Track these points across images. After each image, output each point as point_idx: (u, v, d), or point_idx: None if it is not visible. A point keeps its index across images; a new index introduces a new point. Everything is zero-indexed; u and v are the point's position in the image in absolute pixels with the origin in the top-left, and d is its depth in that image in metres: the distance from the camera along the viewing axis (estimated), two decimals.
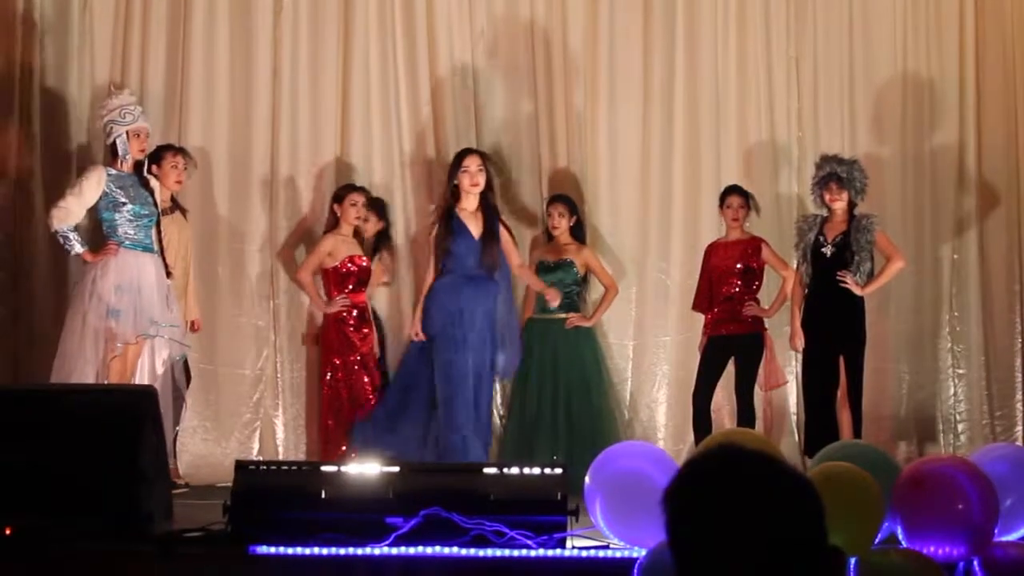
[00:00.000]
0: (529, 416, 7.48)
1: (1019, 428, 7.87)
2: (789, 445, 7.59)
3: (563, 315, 7.54)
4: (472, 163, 6.75)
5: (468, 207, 6.76)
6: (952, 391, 7.92)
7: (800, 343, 7.07)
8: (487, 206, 6.80)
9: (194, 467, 7.52)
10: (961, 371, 7.94)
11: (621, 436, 7.50)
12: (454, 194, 6.77)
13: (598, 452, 7.34)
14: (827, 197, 7.02)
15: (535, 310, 7.62)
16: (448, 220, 6.72)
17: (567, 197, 7.71)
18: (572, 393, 7.47)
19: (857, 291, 6.94)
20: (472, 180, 6.70)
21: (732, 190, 7.38)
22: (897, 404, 7.81)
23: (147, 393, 4.57)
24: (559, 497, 4.41)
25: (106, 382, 6.30)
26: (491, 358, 6.69)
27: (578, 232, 7.67)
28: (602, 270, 7.70)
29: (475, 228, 6.73)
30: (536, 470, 4.45)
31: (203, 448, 7.70)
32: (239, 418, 7.79)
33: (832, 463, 4.29)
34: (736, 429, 4.88)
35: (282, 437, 7.84)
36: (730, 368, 7.25)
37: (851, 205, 7.03)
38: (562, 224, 7.59)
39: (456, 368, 6.55)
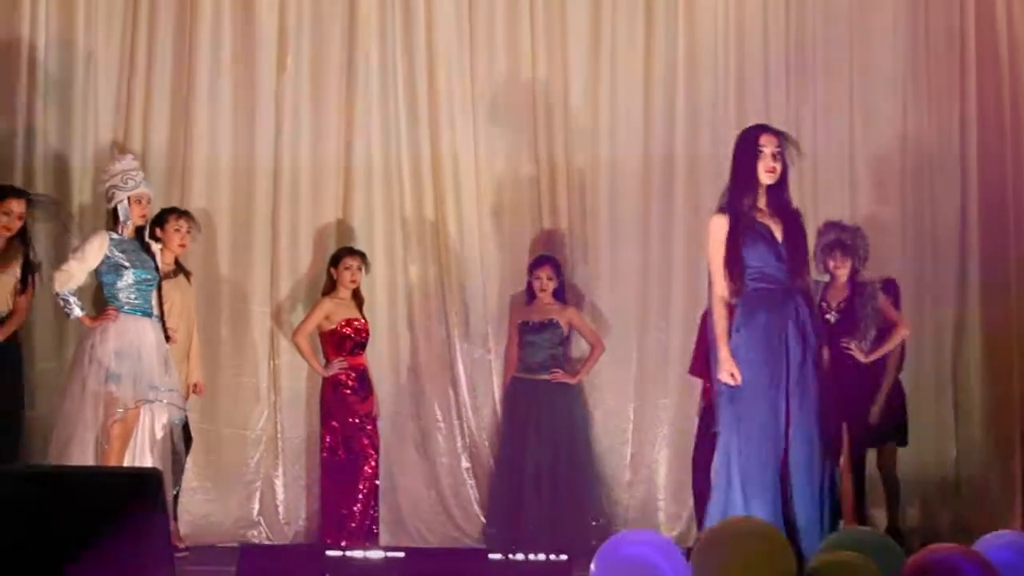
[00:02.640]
0: (515, 477, 7.47)
1: (1018, 489, 7.86)
2: None
3: (547, 376, 7.55)
4: (768, 143, 5.22)
5: (758, 203, 5.27)
6: (954, 454, 7.92)
7: None
8: (781, 201, 5.31)
9: (195, 527, 7.53)
10: (963, 434, 7.94)
11: (609, 497, 7.64)
12: (741, 188, 5.24)
13: (584, 515, 7.43)
14: (831, 264, 7.04)
15: (519, 368, 7.62)
16: (739, 223, 5.21)
17: (553, 259, 7.74)
18: (558, 454, 7.45)
19: (862, 358, 6.95)
20: (767, 165, 5.22)
21: None
22: (899, 467, 7.80)
23: (153, 476, 4.54)
24: None
25: (105, 447, 6.31)
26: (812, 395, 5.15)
27: (560, 292, 7.68)
28: (587, 328, 7.74)
29: (776, 229, 5.24)
30: (540, 556, 4.45)
31: (204, 508, 7.68)
32: (240, 478, 7.77)
33: (837, 552, 4.28)
34: (742, 517, 4.85)
35: (283, 498, 7.81)
36: None
37: (854, 272, 7.05)
38: (549, 287, 7.60)
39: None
